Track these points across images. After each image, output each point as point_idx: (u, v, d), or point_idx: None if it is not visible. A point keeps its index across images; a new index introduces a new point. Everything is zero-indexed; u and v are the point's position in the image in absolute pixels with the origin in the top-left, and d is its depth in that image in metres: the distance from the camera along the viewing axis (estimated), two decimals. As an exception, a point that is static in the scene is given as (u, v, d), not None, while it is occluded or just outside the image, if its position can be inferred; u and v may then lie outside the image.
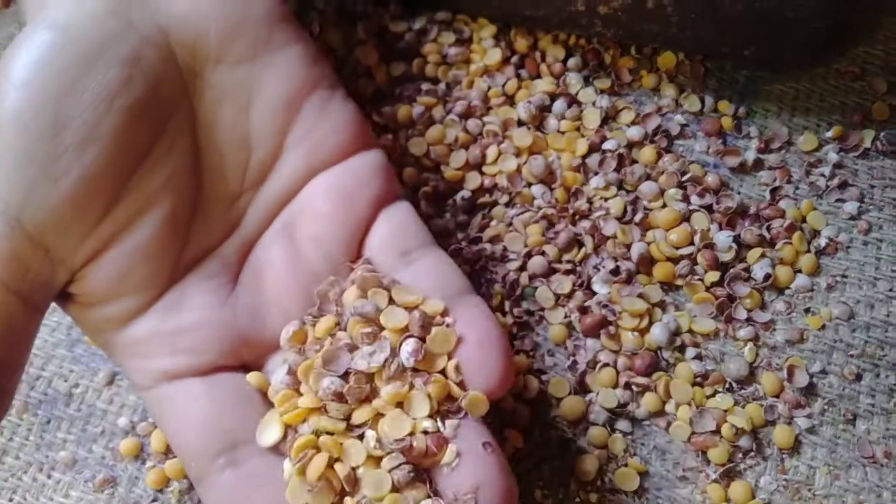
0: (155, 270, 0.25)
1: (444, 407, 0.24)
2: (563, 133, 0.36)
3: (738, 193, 0.35)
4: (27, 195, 0.22)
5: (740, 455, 0.31)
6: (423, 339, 0.24)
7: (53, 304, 0.25)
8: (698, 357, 0.32)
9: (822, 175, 0.36)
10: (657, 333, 0.32)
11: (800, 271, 0.34)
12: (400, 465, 0.23)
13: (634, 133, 0.36)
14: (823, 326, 0.33)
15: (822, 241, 0.34)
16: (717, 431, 0.31)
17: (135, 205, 0.24)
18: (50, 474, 0.32)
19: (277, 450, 0.25)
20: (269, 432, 0.24)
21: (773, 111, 0.37)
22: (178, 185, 0.25)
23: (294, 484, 0.23)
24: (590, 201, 0.35)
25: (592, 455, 0.31)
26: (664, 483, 0.31)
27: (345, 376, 0.24)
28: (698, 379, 0.32)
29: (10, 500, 0.32)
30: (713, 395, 0.32)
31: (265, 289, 0.26)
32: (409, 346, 0.24)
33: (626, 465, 0.31)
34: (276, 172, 0.27)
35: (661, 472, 0.31)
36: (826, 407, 0.32)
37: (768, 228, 0.34)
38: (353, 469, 0.23)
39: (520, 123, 0.36)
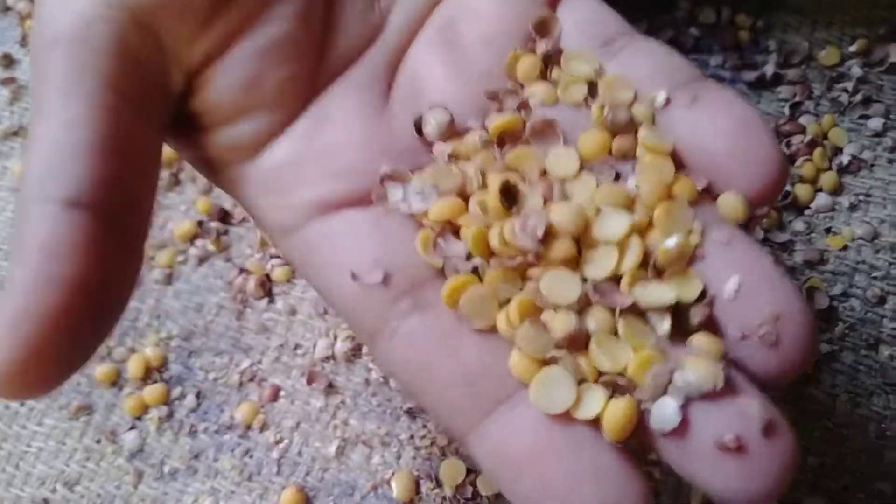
0: (292, 75, 0.20)
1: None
2: (568, 44, 0.34)
3: (756, 109, 0.33)
4: None
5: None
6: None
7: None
8: (711, 279, 0.30)
9: (845, 90, 0.33)
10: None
11: (820, 190, 0.32)
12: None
13: (645, 45, 0.33)
14: (845, 247, 0.31)
15: (845, 159, 0.32)
16: (731, 356, 0.29)
17: None
18: (22, 402, 0.31)
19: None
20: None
21: (792, 25, 0.35)
22: None
23: (507, 333, 0.18)
24: (596, 116, 0.32)
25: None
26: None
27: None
28: (711, 302, 0.30)
29: (-21, 426, 0.30)
30: (727, 319, 0.30)
31: (428, 102, 0.21)
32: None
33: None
34: None
35: (670, 400, 0.29)
36: (847, 331, 0.30)
37: (788, 145, 0.32)
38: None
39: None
